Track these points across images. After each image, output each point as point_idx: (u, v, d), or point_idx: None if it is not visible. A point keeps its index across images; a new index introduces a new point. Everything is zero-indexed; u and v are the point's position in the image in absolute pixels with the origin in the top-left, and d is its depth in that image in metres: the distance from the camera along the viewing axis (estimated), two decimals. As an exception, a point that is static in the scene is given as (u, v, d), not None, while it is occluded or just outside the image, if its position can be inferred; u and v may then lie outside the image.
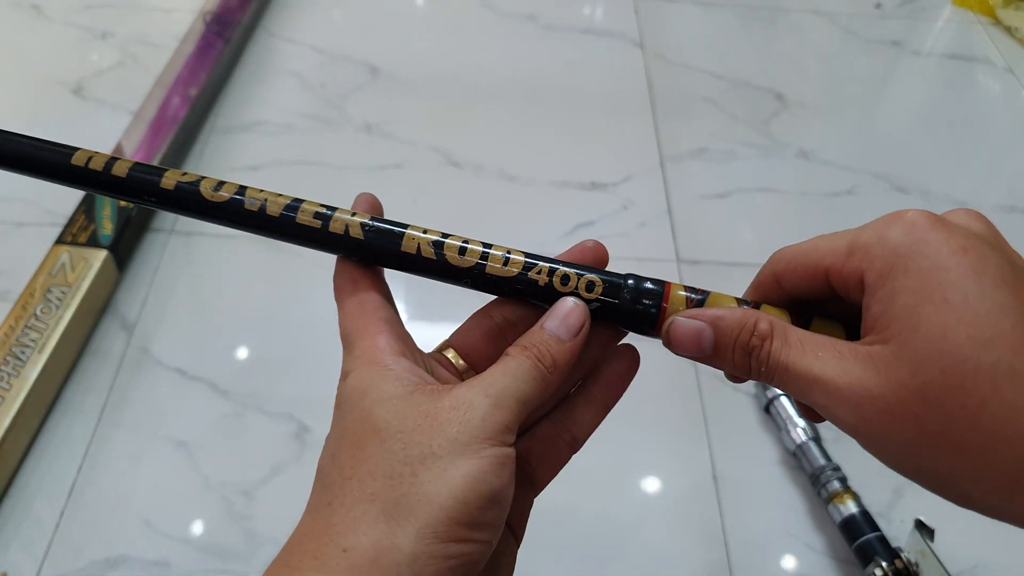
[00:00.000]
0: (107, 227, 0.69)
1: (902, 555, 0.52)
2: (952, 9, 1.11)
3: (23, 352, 0.59)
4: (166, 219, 0.75)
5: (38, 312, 0.62)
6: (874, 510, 0.56)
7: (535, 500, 0.25)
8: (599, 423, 0.26)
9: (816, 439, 0.60)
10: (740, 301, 0.24)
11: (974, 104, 0.98)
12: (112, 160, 0.26)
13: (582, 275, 0.24)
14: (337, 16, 1.01)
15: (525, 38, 1.00)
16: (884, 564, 0.52)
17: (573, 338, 0.23)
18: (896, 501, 0.59)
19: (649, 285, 0.24)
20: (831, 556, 0.57)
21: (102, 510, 0.56)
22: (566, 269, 0.24)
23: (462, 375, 0.26)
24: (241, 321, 0.68)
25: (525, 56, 0.98)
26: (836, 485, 0.57)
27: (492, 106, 0.90)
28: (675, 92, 0.93)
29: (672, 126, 0.88)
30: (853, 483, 0.57)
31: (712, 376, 0.66)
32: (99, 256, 0.66)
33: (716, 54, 0.99)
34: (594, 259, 0.26)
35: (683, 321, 0.22)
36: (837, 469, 0.58)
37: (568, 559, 0.55)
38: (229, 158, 0.82)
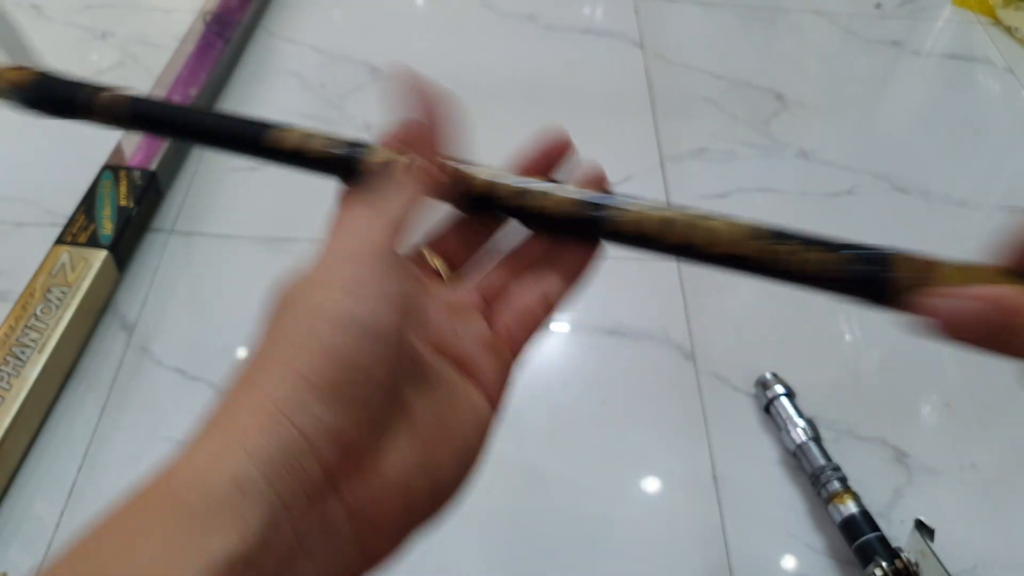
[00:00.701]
0: (107, 227, 0.69)
1: (902, 555, 0.52)
2: (952, 9, 1.11)
3: (23, 352, 0.59)
4: (166, 219, 0.75)
5: (38, 312, 0.62)
6: (874, 510, 0.56)
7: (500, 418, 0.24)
8: (570, 287, 0.25)
9: (816, 439, 0.60)
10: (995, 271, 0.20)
11: (974, 104, 0.98)
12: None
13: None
14: (337, 16, 1.01)
15: (525, 38, 1.00)
16: (884, 564, 0.52)
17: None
18: (896, 501, 0.59)
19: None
20: (831, 556, 0.57)
21: (102, 510, 0.56)
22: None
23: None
24: (241, 321, 0.68)
25: (525, 56, 0.98)
26: (836, 485, 0.57)
27: (492, 106, 0.90)
28: (675, 92, 0.93)
29: (672, 126, 0.88)
30: (853, 483, 0.57)
31: (712, 376, 0.66)
32: (99, 256, 0.66)
33: (716, 54, 0.99)
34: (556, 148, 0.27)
35: (955, 302, 0.19)
36: (837, 469, 0.58)
37: (569, 559, 0.55)
38: (228, 158, 0.82)
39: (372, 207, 0.23)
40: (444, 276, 0.25)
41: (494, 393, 0.23)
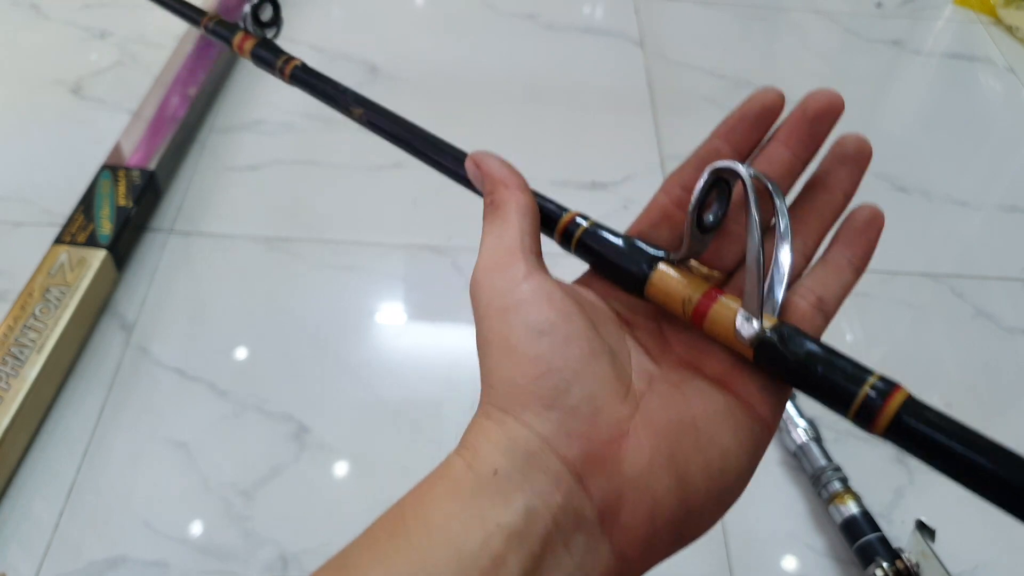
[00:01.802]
0: (106, 227, 0.68)
1: (903, 556, 0.52)
2: (953, 8, 1.11)
3: (22, 352, 0.59)
4: (165, 218, 0.75)
5: (37, 312, 0.62)
6: (875, 511, 0.56)
7: None
8: (849, 283, 0.23)
9: (817, 439, 0.59)
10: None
11: (975, 104, 0.98)
12: None
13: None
14: (337, 15, 1.01)
15: (525, 37, 1.00)
16: (885, 565, 0.52)
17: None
18: (897, 502, 0.59)
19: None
20: (832, 557, 0.56)
21: (101, 510, 0.56)
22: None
23: None
24: (240, 321, 0.68)
25: (525, 55, 0.98)
26: (837, 486, 0.56)
27: (492, 105, 0.90)
28: (675, 91, 0.93)
29: (672, 125, 0.88)
30: (854, 484, 0.57)
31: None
32: (98, 256, 0.66)
33: (716, 53, 0.99)
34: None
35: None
36: (838, 469, 0.57)
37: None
38: (228, 158, 0.82)
39: (495, 234, 0.24)
40: (712, 282, 0.24)
41: (760, 405, 0.21)
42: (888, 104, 0.97)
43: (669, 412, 0.21)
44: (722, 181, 0.23)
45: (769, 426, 0.22)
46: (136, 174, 0.74)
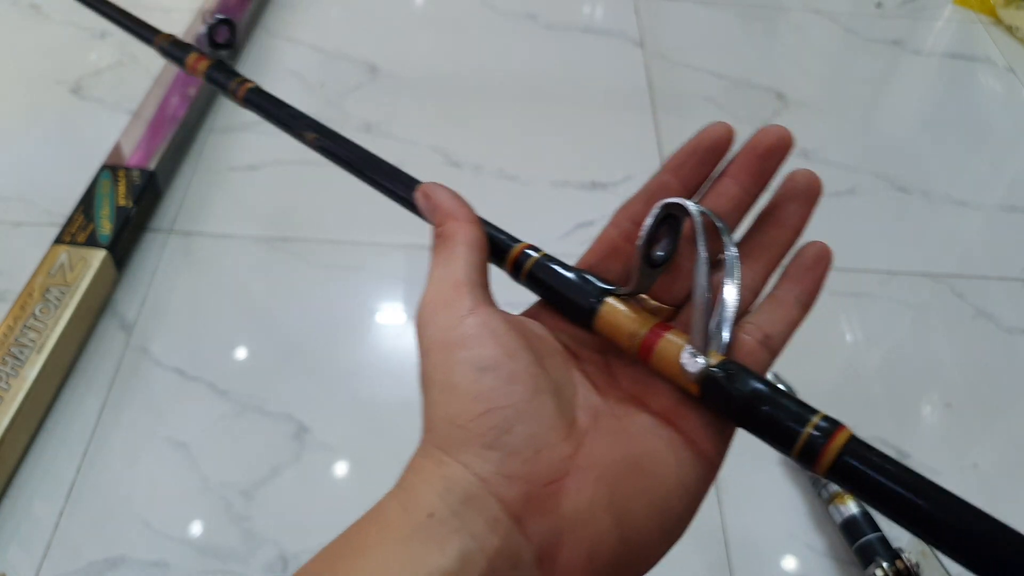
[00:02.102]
0: (106, 227, 0.68)
1: (903, 556, 0.52)
2: (953, 8, 1.11)
3: (22, 352, 0.59)
4: (165, 218, 0.75)
5: (37, 312, 0.62)
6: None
7: None
8: (796, 319, 0.23)
9: (817, 439, 0.59)
10: None
11: (975, 103, 0.98)
12: None
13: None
14: (336, 15, 1.01)
15: (525, 37, 1.00)
16: (885, 565, 0.52)
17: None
18: (897, 501, 0.59)
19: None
20: (832, 557, 0.56)
21: (101, 510, 0.56)
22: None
23: None
24: (240, 321, 0.68)
25: (525, 55, 0.98)
26: (837, 486, 0.56)
27: (492, 105, 0.90)
28: (675, 91, 0.93)
29: (672, 125, 0.88)
30: (854, 483, 0.57)
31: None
32: (98, 256, 0.66)
33: (716, 53, 0.99)
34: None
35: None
36: (838, 469, 0.57)
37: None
38: (228, 157, 0.82)
39: (442, 268, 0.23)
40: (661, 316, 0.24)
41: (704, 442, 0.21)
42: (888, 104, 0.97)
43: (612, 451, 0.20)
44: (672, 217, 0.23)
45: (713, 463, 0.22)
46: (136, 174, 0.74)
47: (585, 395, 0.22)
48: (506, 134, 0.86)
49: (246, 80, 0.35)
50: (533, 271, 0.25)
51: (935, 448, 0.63)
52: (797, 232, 0.24)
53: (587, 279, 0.24)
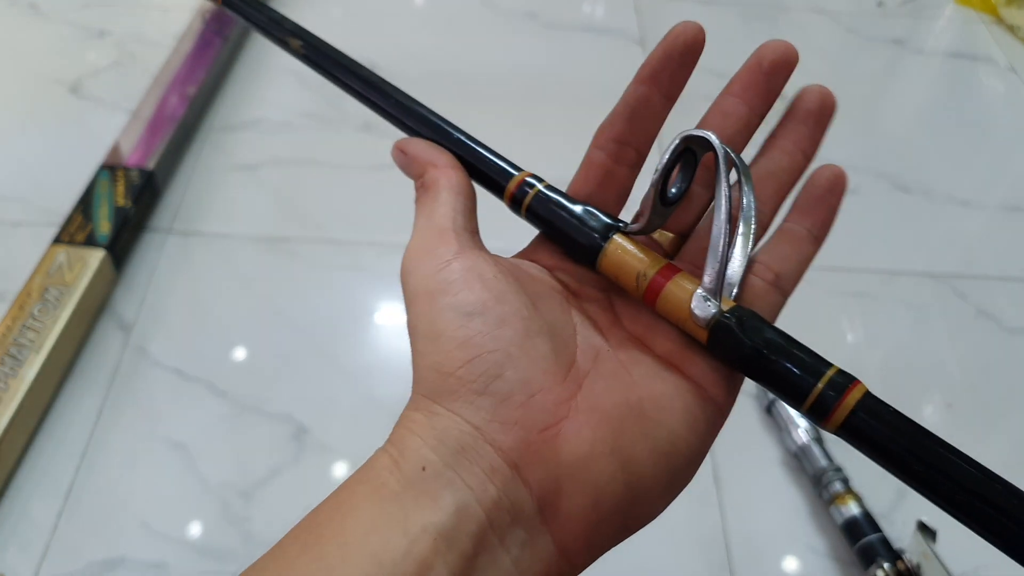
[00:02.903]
0: (104, 227, 0.68)
1: (904, 557, 0.52)
2: (954, 8, 1.11)
3: (20, 352, 0.59)
4: (164, 218, 0.75)
5: (35, 312, 0.62)
6: (876, 511, 0.56)
7: None
8: (809, 255, 0.22)
9: (818, 440, 0.59)
10: None
11: (976, 103, 0.98)
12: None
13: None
14: (336, 14, 1.01)
15: (525, 36, 1.00)
16: (886, 566, 0.51)
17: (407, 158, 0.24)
18: (898, 503, 0.59)
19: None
20: (833, 558, 0.56)
21: (100, 511, 0.56)
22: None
23: None
24: (239, 321, 0.68)
25: (525, 54, 0.98)
26: (838, 486, 0.56)
27: (492, 104, 0.90)
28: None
29: (672, 124, 0.87)
30: (855, 484, 0.57)
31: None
32: (96, 256, 0.66)
33: (717, 53, 0.98)
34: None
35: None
36: (839, 470, 0.57)
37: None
38: (227, 157, 0.82)
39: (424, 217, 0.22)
40: (665, 248, 0.23)
41: (712, 386, 0.20)
42: (889, 103, 0.97)
43: (614, 394, 0.19)
44: (689, 151, 0.21)
45: (722, 409, 0.21)
46: (135, 174, 0.73)
47: (585, 336, 0.21)
48: (506, 133, 0.86)
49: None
50: (533, 206, 0.23)
51: (936, 449, 0.62)
52: (808, 158, 0.22)
53: (593, 214, 0.22)
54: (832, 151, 0.92)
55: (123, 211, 0.70)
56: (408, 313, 0.20)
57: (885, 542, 0.53)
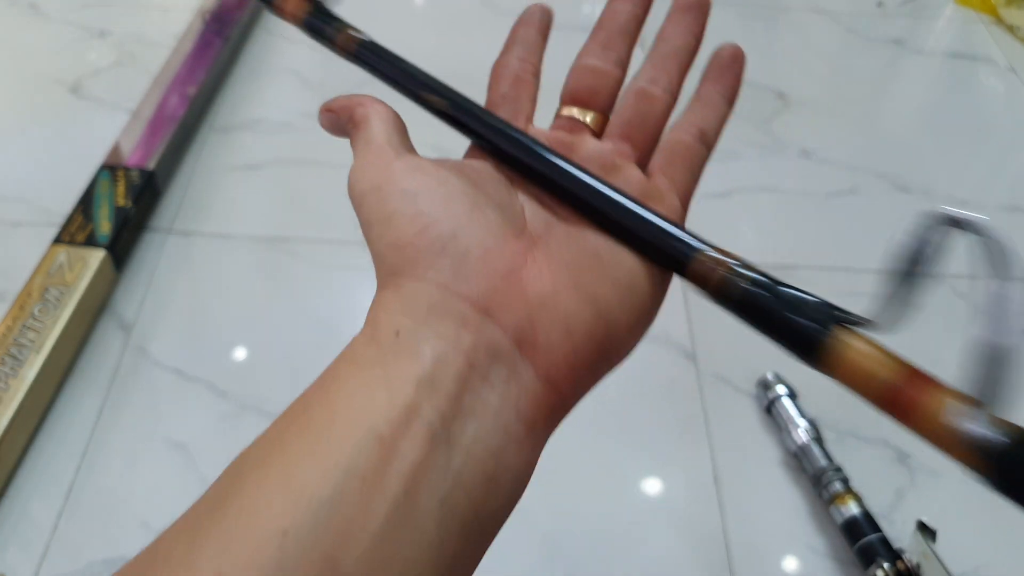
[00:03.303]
0: (105, 227, 0.68)
1: (904, 557, 0.52)
2: (954, 8, 1.11)
3: (20, 352, 0.59)
4: (164, 218, 0.75)
5: (36, 312, 0.62)
6: (876, 511, 0.56)
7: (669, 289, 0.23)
8: (725, 114, 0.25)
9: (818, 440, 0.59)
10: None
11: (976, 103, 0.98)
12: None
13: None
14: (336, 14, 1.01)
15: (525, 37, 1.00)
16: (886, 566, 0.51)
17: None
18: (898, 502, 0.59)
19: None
20: (832, 558, 0.56)
21: (100, 511, 0.56)
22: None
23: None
24: (240, 321, 0.68)
25: (525, 55, 0.98)
26: (838, 486, 0.56)
27: (492, 105, 0.90)
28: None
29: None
30: (855, 484, 0.57)
31: (713, 376, 0.66)
32: (97, 256, 0.66)
33: (717, 53, 0.99)
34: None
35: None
36: (839, 470, 0.57)
37: (569, 561, 0.55)
38: (228, 157, 0.82)
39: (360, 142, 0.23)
40: (592, 128, 0.24)
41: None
42: (889, 104, 0.97)
43: (569, 247, 0.20)
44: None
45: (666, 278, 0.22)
46: (135, 174, 0.73)
47: (533, 211, 0.22)
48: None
49: (350, 28, 0.31)
50: (738, 296, 0.20)
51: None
52: (698, 39, 0.26)
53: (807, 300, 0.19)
54: (832, 151, 0.92)
55: (123, 211, 0.70)
56: (359, 214, 0.21)
57: (885, 542, 0.53)
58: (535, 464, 0.19)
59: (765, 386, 0.63)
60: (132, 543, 0.54)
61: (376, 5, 1.02)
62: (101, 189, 0.72)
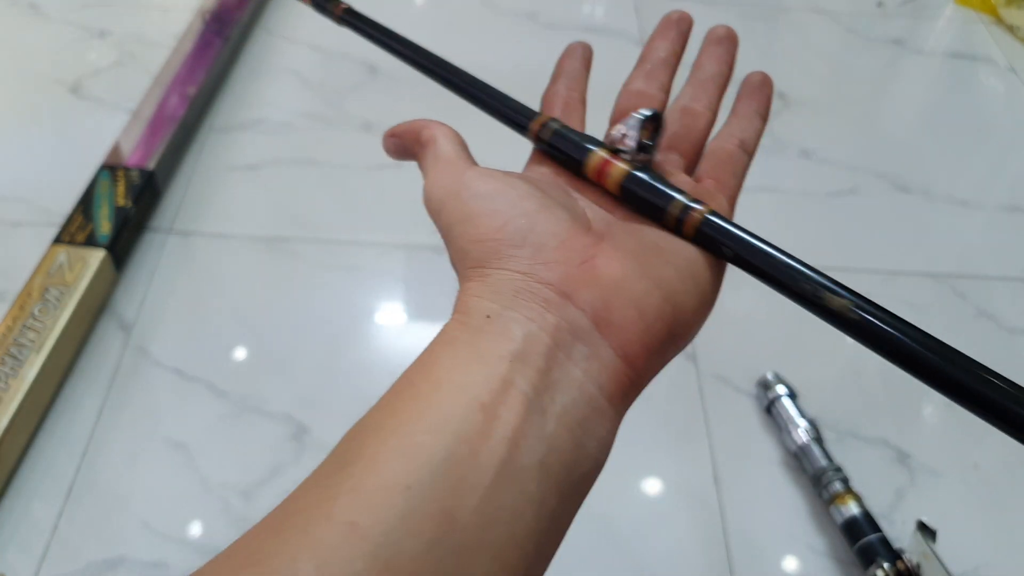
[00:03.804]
0: (105, 227, 0.68)
1: (904, 556, 0.52)
2: (954, 8, 1.11)
3: (21, 352, 0.59)
4: (164, 218, 0.75)
5: (36, 312, 0.62)
6: (876, 511, 0.56)
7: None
8: (760, 128, 0.28)
9: (818, 440, 0.59)
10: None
11: (976, 103, 0.98)
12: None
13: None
14: None
15: (525, 36, 1.00)
16: (886, 565, 0.51)
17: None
18: (898, 502, 0.59)
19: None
20: (832, 557, 0.56)
21: (100, 511, 0.56)
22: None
23: None
24: (240, 321, 0.68)
25: (525, 54, 0.97)
26: (838, 486, 0.56)
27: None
28: (675, 91, 0.93)
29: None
30: (855, 484, 0.57)
31: (713, 377, 0.66)
32: (97, 256, 0.66)
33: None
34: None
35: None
36: (839, 470, 0.57)
37: (569, 561, 0.55)
38: (228, 157, 0.82)
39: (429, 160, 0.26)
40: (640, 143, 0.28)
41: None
42: (889, 104, 0.97)
43: (632, 240, 0.23)
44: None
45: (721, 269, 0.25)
46: (135, 174, 0.74)
47: (595, 212, 0.24)
48: (506, 133, 0.86)
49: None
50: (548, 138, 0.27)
51: (936, 448, 0.63)
52: (731, 67, 0.30)
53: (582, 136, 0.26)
54: (832, 151, 0.92)
55: (123, 211, 0.70)
56: (440, 218, 0.23)
57: (885, 542, 0.53)
58: (615, 433, 0.21)
59: (765, 386, 0.63)
60: (132, 543, 0.54)
61: (376, 5, 1.02)
62: (101, 189, 0.72)
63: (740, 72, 0.31)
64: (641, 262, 0.22)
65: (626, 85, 0.30)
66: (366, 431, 0.20)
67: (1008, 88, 0.99)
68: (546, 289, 0.21)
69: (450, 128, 0.27)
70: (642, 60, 0.31)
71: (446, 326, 0.21)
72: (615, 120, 0.29)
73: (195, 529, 0.55)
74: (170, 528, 0.55)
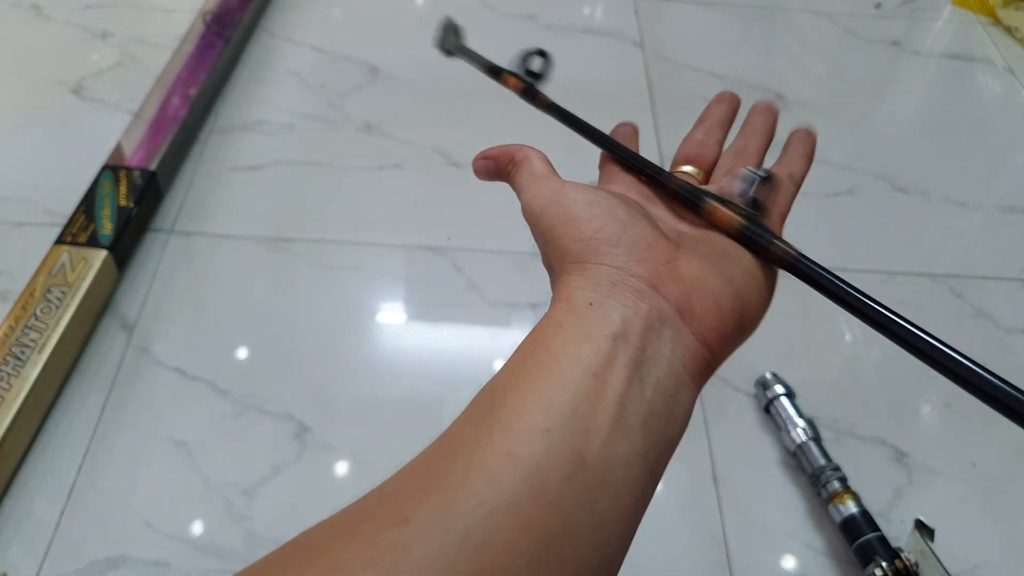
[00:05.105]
0: (107, 227, 0.69)
1: (902, 555, 0.52)
2: (952, 9, 1.11)
3: (23, 352, 0.59)
4: (166, 219, 0.75)
5: (38, 312, 0.62)
6: (874, 510, 0.56)
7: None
8: (806, 167, 0.33)
9: (816, 439, 0.60)
10: None
11: (974, 104, 0.98)
12: None
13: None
14: (337, 16, 1.01)
15: (525, 38, 1.00)
16: (884, 564, 0.52)
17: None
18: (896, 501, 0.59)
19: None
20: (831, 556, 0.57)
21: (102, 510, 0.56)
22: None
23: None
24: (241, 321, 0.68)
25: (525, 56, 0.98)
26: (836, 485, 0.57)
27: (492, 106, 0.90)
28: (675, 92, 0.93)
29: (672, 126, 0.88)
30: (853, 483, 0.57)
31: (712, 377, 0.66)
32: (99, 256, 0.66)
33: (716, 54, 0.99)
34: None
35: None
36: (837, 469, 0.58)
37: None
38: (229, 158, 0.82)
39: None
40: (698, 180, 0.33)
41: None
42: (887, 104, 0.98)
43: (704, 246, 0.27)
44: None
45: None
46: (137, 174, 0.74)
47: (668, 223, 0.28)
48: (506, 134, 0.86)
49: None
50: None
51: (934, 448, 0.63)
52: (773, 129, 0.35)
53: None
54: (831, 151, 0.92)
55: (125, 211, 0.70)
56: (540, 223, 0.27)
57: (883, 540, 0.53)
58: (694, 405, 0.24)
59: (763, 386, 0.63)
60: (134, 542, 0.54)
61: (377, 6, 1.03)
62: (103, 189, 0.72)
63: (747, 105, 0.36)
64: (714, 263, 0.26)
65: (687, 137, 0.35)
66: (502, 388, 0.23)
67: (1006, 89, 1.00)
68: (638, 282, 0.24)
69: (539, 151, 0.31)
70: (701, 120, 0.36)
71: (552, 312, 0.24)
72: (679, 161, 0.34)
73: (196, 528, 0.55)
74: (172, 527, 0.55)
